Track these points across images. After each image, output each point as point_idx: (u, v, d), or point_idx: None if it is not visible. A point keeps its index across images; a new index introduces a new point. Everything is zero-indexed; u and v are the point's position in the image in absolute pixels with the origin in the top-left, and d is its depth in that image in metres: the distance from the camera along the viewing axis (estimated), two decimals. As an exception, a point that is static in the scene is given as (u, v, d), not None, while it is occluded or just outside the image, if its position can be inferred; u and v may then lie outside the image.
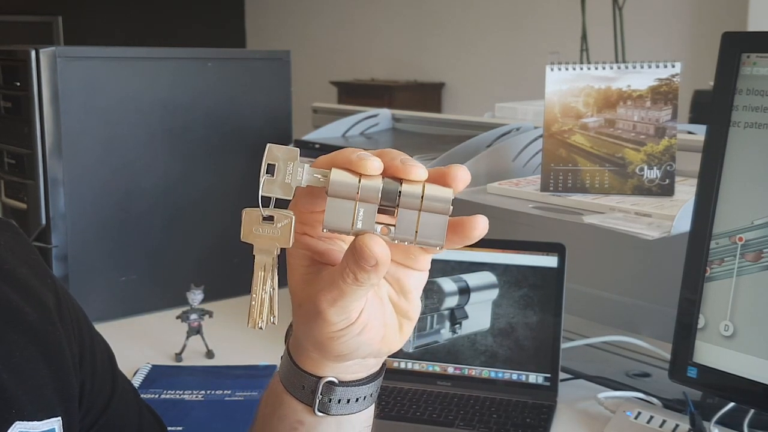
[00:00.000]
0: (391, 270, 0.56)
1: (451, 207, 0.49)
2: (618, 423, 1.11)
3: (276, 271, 0.53)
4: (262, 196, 0.52)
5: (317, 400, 0.60)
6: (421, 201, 0.48)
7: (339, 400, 0.60)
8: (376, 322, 0.56)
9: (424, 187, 0.48)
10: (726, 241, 0.93)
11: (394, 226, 0.49)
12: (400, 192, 0.48)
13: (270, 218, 0.52)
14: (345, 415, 0.61)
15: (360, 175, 0.49)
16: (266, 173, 0.50)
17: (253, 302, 0.54)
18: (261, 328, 0.53)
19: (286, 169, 0.50)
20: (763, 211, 0.91)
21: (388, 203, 0.49)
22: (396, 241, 0.50)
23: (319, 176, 0.50)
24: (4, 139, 1.52)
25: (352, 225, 0.49)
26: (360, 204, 0.49)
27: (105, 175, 1.53)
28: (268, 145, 0.50)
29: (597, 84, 1.23)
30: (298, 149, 0.50)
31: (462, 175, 0.50)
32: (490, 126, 1.54)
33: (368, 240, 0.49)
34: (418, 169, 0.49)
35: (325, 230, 0.50)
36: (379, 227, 0.49)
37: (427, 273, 0.57)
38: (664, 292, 1.30)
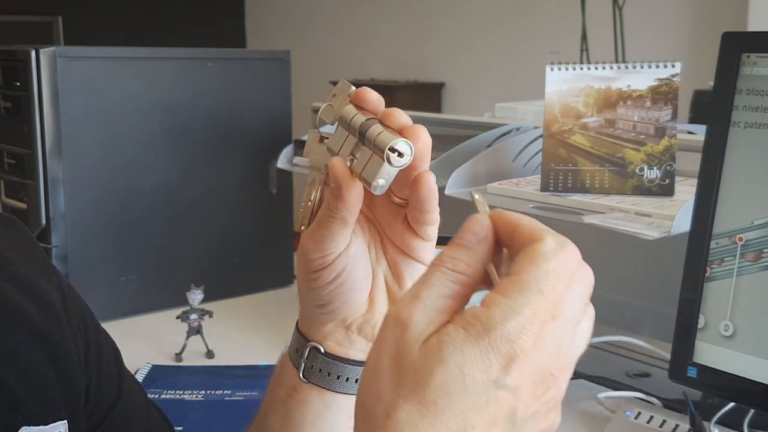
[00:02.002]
0: (391, 252, 0.60)
1: (398, 158, 0.52)
2: (618, 423, 1.11)
3: (320, 187, 0.60)
4: (319, 118, 0.59)
5: (302, 364, 0.63)
6: (372, 144, 0.53)
7: (320, 370, 0.63)
8: (354, 283, 0.59)
9: (383, 133, 0.53)
10: (726, 241, 0.93)
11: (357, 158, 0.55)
12: (367, 129, 0.54)
13: (323, 139, 0.59)
14: (329, 390, 0.63)
15: (361, 110, 0.56)
16: (328, 102, 0.58)
17: (302, 209, 0.60)
18: (303, 230, 0.60)
19: (338, 100, 0.57)
20: (763, 211, 0.91)
21: (361, 139, 0.55)
22: (351, 172, 0.55)
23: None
24: (4, 139, 1.52)
25: (339, 150, 0.56)
26: (350, 137, 0.56)
27: (105, 175, 1.53)
28: (341, 79, 0.59)
29: (597, 84, 1.23)
30: (353, 87, 0.57)
31: (418, 133, 0.54)
32: (490, 126, 1.53)
33: (333, 159, 0.55)
34: (397, 116, 0.54)
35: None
36: (351, 158, 0.56)
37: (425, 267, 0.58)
38: (664, 292, 1.30)
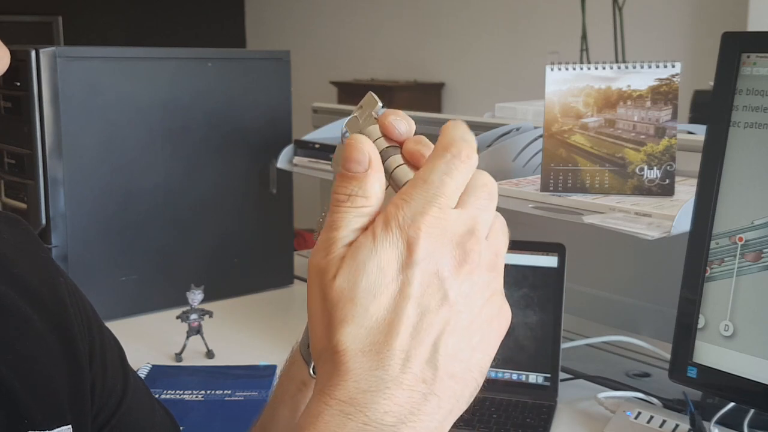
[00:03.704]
0: None
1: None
2: (618, 423, 1.11)
3: None
4: (345, 129, 0.57)
5: (313, 361, 0.62)
6: (390, 176, 0.52)
7: None
8: None
9: (401, 168, 0.52)
10: (726, 241, 0.93)
11: None
12: (384, 161, 0.53)
13: None
14: None
15: (384, 136, 0.53)
16: (354, 113, 0.57)
17: (321, 219, 0.60)
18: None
19: (364, 114, 0.56)
20: (763, 211, 0.91)
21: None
22: None
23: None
24: (4, 139, 1.52)
25: None
26: None
27: (105, 175, 1.53)
28: (369, 92, 0.57)
29: (597, 84, 1.23)
30: (380, 104, 0.55)
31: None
32: (490, 126, 1.53)
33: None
34: (419, 145, 0.52)
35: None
36: None
37: None
38: (664, 292, 1.30)
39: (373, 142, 0.53)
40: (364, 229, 0.47)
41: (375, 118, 0.55)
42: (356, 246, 0.46)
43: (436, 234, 0.45)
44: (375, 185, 0.48)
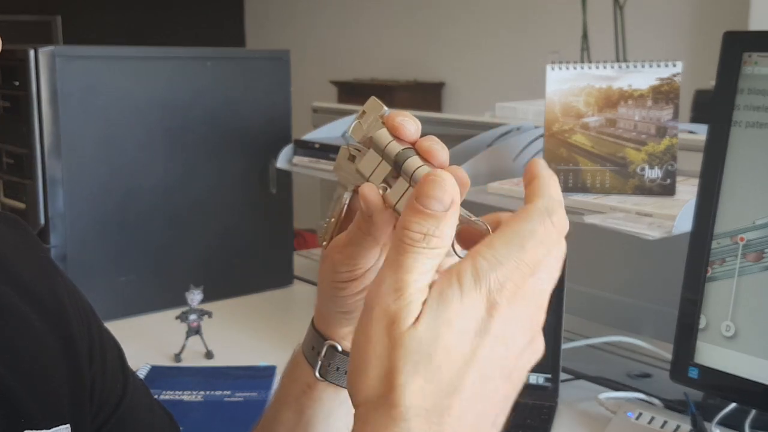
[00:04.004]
0: None
1: None
2: (619, 424, 1.11)
3: (345, 205, 0.59)
4: (349, 135, 0.57)
5: (319, 363, 0.63)
6: (411, 176, 0.51)
7: (338, 368, 0.63)
8: None
9: (420, 167, 0.51)
10: (727, 241, 0.93)
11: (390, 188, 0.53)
12: (403, 162, 0.52)
13: (353, 158, 0.57)
14: (344, 387, 0.62)
15: (396, 138, 0.53)
16: (358, 119, 0.56)
17: (325, 224, 0.60)
18: (324, 246, 0.60)
19: (368, 119, 0.55)
20: (765, 211, 0.90)
21: (397, 169, 0.53)
22: (386, 202, 0.54)
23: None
24: (3, 138, 1.52)
25: (369, 176, 0.54)
26: (383, 163, 0.54)
27: (104, 175, 1.53)
28: (372, 96, 0.56)
29: (598, 83, 1.22)
30: (385, 107, 0.55)
31: (459, 175, 0.51)
32: (491, 126, 1.53)
33: (364, 186, 0.53)
34: (440, 153, 0.51)
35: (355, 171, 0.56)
36: (384, 187, 0.54)
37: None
38: (665, 292, 1.30)
39: (386, 145, 0.53)
40: (432, 269, 0.45)
41: (382, 122, 0.54)
42: (442, 297, 0.44)
43: (516, 307, 0.44)
44: (453, 226, 0.46)
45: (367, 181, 0.54)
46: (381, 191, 0.53)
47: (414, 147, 0.53)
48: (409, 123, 0.52)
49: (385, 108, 0.55)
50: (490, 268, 0.43)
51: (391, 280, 0.45)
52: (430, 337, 0.43)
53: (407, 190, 0.51)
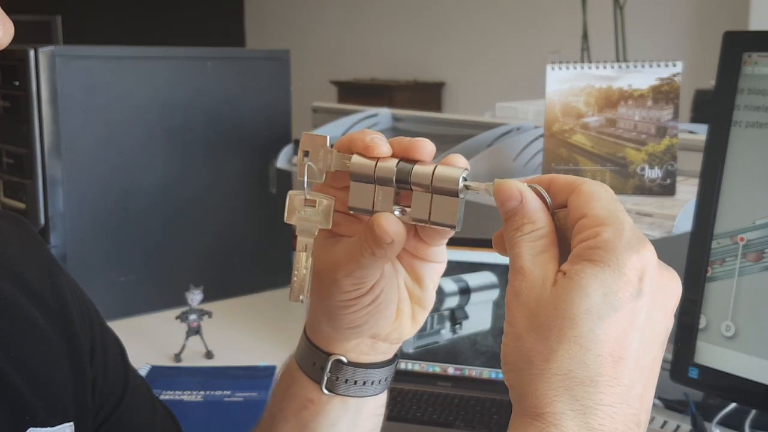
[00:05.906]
0: (406, 258, 0.59)
1: (464, 188, 0.50)
2: (619, 424, 1.11)
3: (311, 254, 0.56)
4: (306, 181, 0.54)
5: (325, 378, 0.62)
6: (431, 181, 0.50)
7: (346, 380, 0.62)
8: (388, 301, 0.58)
9: (435, 168, 0.50)
10: (727, 241, 0.93)
11: (410, 207, 0.51)
12: (411, 173, 0.51)
13: (312, 201, 0.54)
14: (352, 397, 0.63)
15: (377, 159, 0.51)
16: (304, 158, 0.53)
17: (295, 278, 0.56)
18: (302, 301, 0.56)
19: (318, 155, 0.53)
20: (765, 211, 0.90)
21: (403, 185, 0.51)
22: (414, 222, 0.52)
23: (346, 161, 0.53)
24: (3, 138, 1.52)
25: (372, 207, 0.52)
26: (379, 187, 0.51)
27: (104, 175, 1.53)
28: (303, 133, 0.54)
29: (598, 83, 1.22)
30: (327, 136, 0.53)
31: (456, 160, 0.52)
32: (491, 126, 1.53)
33: (381, 219, 0.51)
34: (424, 144, 0.51)
35: (351, 211, 0.53)
36: (398, 209, 0.52)
37: (444, 264, 0.60)
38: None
39: (375, 168, 0.51)
40: (547, 248, 0.47)
41: (338, 151, 0.52)
42: (578, 271, 0.45)
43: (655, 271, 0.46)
44: (536, 208, 0.48)
45: (372, 212, 0.52)
46: (398, 213, 0.51)
47: (394, 155, 0.51)
48: (380, 138, 0.52)
49: (327, 136, 0.53)
50: (617, 237, 0.45)
51: (514, 271, 0.47)
52: (565, 303, 0.45)
53: (432, 198, 0.50)
